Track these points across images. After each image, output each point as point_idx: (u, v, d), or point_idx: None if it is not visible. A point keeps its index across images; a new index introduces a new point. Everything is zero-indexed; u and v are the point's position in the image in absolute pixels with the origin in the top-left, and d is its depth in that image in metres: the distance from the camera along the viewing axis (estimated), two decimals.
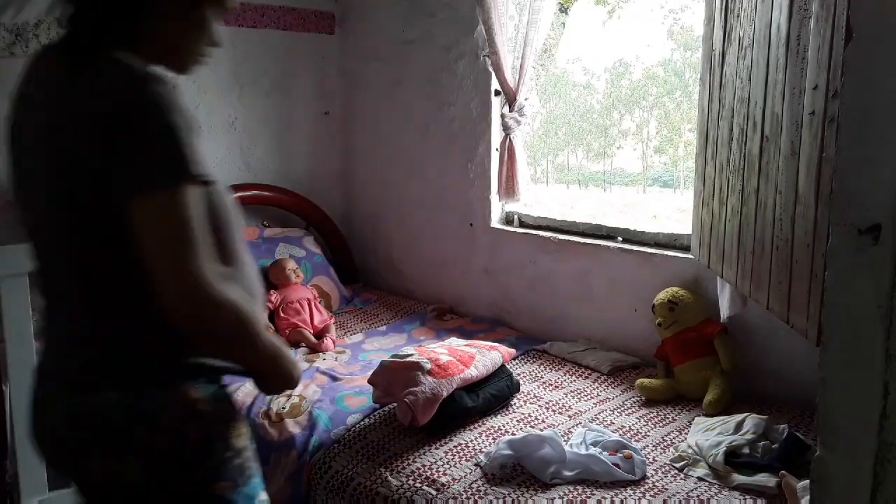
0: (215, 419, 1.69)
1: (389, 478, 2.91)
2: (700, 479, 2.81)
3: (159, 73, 1.59)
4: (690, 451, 2.95)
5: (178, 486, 1.65)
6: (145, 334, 1.65)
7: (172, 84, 1.58)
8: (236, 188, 4.74)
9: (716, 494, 2.72)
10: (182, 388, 1.66)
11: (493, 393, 3.38)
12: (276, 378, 1.77)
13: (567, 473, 2.81)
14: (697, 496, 2.71)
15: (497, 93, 4.57)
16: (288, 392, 3.36)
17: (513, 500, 2.70)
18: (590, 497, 2.71)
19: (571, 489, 2.76)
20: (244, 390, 3.46)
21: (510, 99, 4.41)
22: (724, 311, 3.38)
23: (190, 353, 1.68)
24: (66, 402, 1.68)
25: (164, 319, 1.51)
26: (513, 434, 3.12)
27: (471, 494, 2.74)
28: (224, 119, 4.84)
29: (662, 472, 2.89)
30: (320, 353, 4.09)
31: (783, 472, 2.68)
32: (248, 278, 1.76)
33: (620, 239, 4.23)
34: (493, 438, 3.14)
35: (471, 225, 4.77)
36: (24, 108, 1.72)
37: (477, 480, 2.83)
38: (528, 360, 4.05)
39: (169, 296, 1.51)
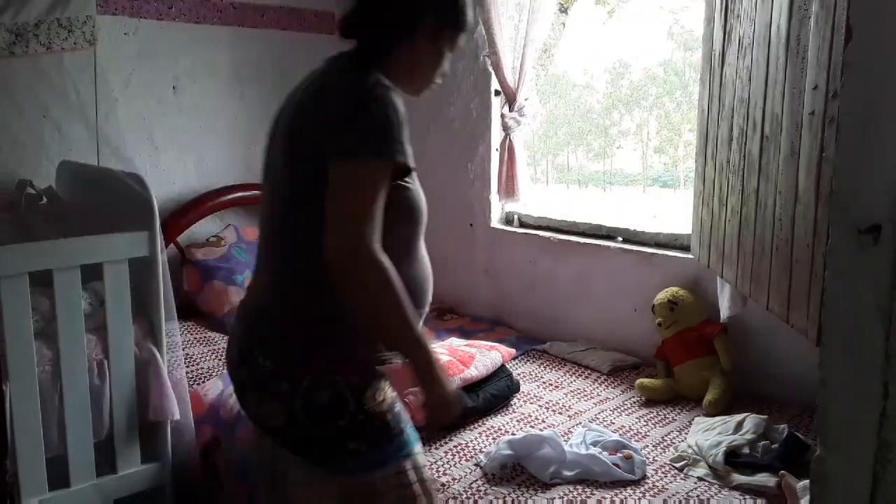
0: (346, 388, 1.96)
1: None
2: (700, 479, 2.81)
3: (389, 84, 1.93)
4: (690, 451, 2.95)
5: (313, 438, 1.98)
6: (314, 299, 1.97)
7: (398, 95, 1.92)
8: (237, 188, 4.77)
9: (716, 494, 2.71)
10: (322, 362, 1.96)
11: (493, 393, 3.38)
12: (429, 381, 1.97)
13: (567, 473, 2.81)
14: (697, 496, 2.70)
15: (497, 93, 4.57)
16: None
17: (513, 500, 2.70)
18: (590, 497, 2.71)
19: (571, 489, 2.75)
20: None
21: (510, 99, 4.41)
22: (724, 311, 3.38)
23: (338, 337, 1.98)
24: (239, 340, 2.08)
25: (326, 259, 1.80)
26: (513, 434, 3.11)
27: (471, 494, 2.74)
28: (225, 119, 4.83)
29: (662, 472, 2.89)
30: None
31: (783, 472, 2.68)
32: (418, 274, 2.08)
33: (620, 239, 4.24)
34: (493, 438, 3.13)
35: (471, 225, 4.78)
36: (286, 104, 2.13)
37: (477, 480, 2.82)
38: (527, 360, 4.05)
39: (333, 245, 1.80)
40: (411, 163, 1.91)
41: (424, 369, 1.95)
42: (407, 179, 1.95)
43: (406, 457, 2.05)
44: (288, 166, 1.99)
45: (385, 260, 1.82)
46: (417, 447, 2.10)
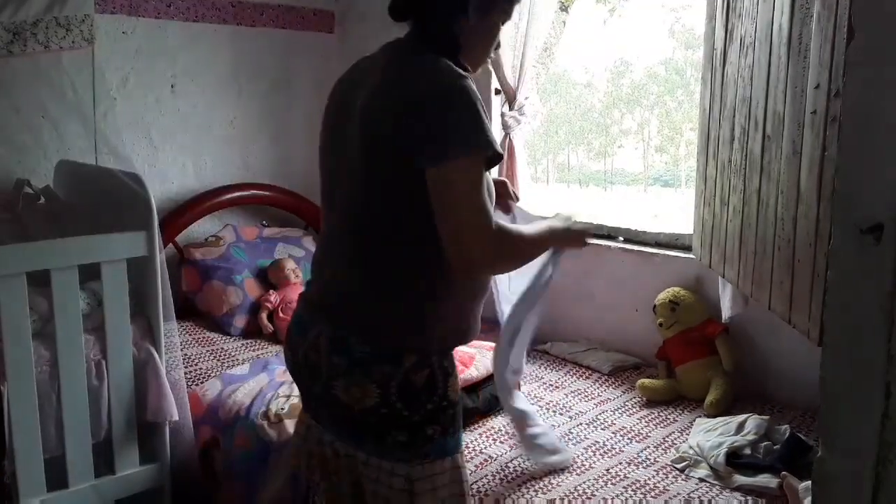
0: (440, 371, 2.08)
1: None
2: (701, 479, 2.80)
3: (463, 71, 1.98)
4: (692, 451, 2.94)
5: (402, 419, 2.04)
6: (407, 288, 2.06)
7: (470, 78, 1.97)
8: (235, 188, 4.78)
9: (717, 496, 2.70)
10: (421, 346, 2.06)
11: (494, 393, 3.36)
12: (564, 244, 2.42)
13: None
14: (699, 497, 2.70)
15: (497, 92, 4.55)
16: (287, 393, 3.36)
17: (513, 501, 2.70)
18: (590, 498, 2.70)
19: (571, 490, 2.75)
20: (244, 390, 3.46)
21: (510, 98, 4.40)
22: (726, 311, 3.37)
23: (439, 325, 2.09)
24: (328, 330, 2.10)
25: (462, 264, 1.93)
26: (513, 434, 3.11)
27: (472, 495, 2.72)
28: (223, 118, 4.82)
29: (664, 474, 2.88)
30: None
31: (785, 473, 2.67)
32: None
33: (622, 239, 4.23)
34: (494, 439, 3.13)
35: None
36: (348, 89, 2.14)
37: (478, 482, 2.82)
38: (528, 361, 4.03)
39: (462, 252, 1.91)
40: (499, 147, 1.95)
41: (558, 243, 2.38)
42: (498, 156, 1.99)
43: (460, 452, 2.18)
44: (368, 159, 2.01)
45: (505, 230, 1.99)
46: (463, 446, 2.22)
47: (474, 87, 1.94)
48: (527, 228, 2.16)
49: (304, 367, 2.18)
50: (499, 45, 2.24)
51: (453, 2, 2.08)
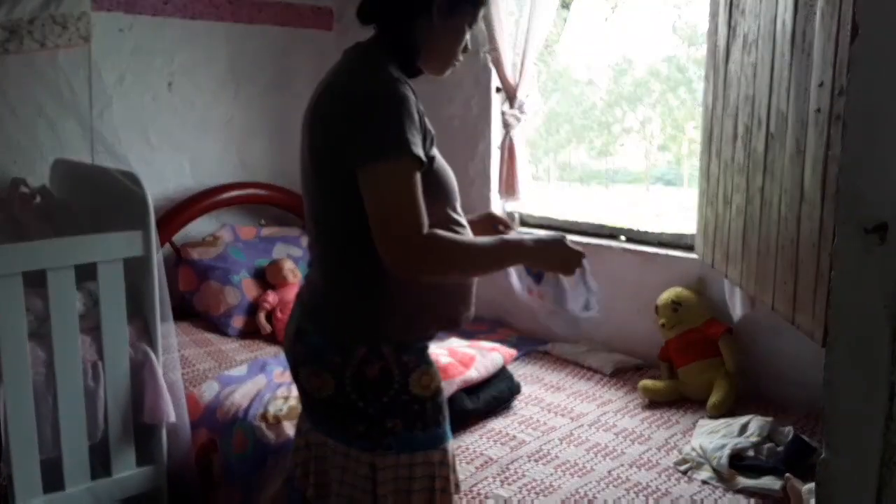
0: (396, 365, 2.10)
1: None
2: (704, 482, 2.78)
3: (398, 75, 2.03)
4: (694, 453, 2.92)
5: (358, 410, 2.10)
6: (357, 285, 2.11)
7: (407, 85, 2.01)
8: (233, 187, 4.77)
9: (720, 498, 2.69)
10: (369, 339, 2.10)
11: (494, 395, 3.36)
12: (543, 265, 2.39)
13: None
14: (701, 500, 2.68)
15: (498, 90, 4.54)
16: (285, 394, 3.35)
17: (518, 502, 2.68)
18: (594, 499, 2.69)
19: (573, 493, 2.73)
20: (241, 392, 3.43)
21: (511, 96, 4.38)
22: (737, 312, 3.35)
23: (385, 319, 2.11)
24: (296, 321, 2.23)
25: (390, 267, 1.96)
26: (514, 436, 3.11)
27: (473, 497, 2.72)
28: (221, 116, 4.81)
29: (666, 476, 2.86)
30: None
31: (788, 475, 2.65)
32: (465, 235, 2.20)
33: (623, 238, 4.21)
34: (494, 441, 3.11)
35: None
36: (313, 94, 2.15)
37: (478, 484, 2.80)
38: (529, 362, 4.03)
39: (386, 249, 1.94)
40: (421, 153, 1.96)
41: (525, 260, 2.30)
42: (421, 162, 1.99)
43: (435, 449, 2.17)
44: (313, 162, 2.09)
45: (437, 232, 1.97)
46: (449, 445, 2.22)
47: (408, 92, 1.99)
48: (481, 239, 2.15)
49: (286, 354, 2.31)
50: (466, 49, 2.23)
51: (413, 4, 2.10)
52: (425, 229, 1.94)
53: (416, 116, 1.97)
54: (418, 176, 1.95)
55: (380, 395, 2.09)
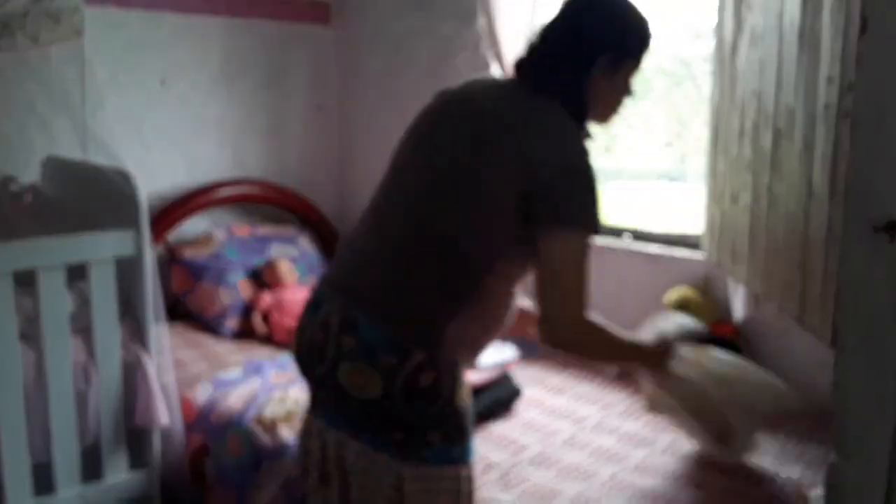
0: (448, 376, 2.07)
1: None
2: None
3: (586, 131, 2.14)
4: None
5: (401, 418, 2.06)
6: (436, 299, 2.08)
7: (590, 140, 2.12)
8: (227, 185, 4.77)
9: (724, 502, 2.67)
10: (433, 347, 2.05)
11: (495, 398, 3.34)
12: (648, 367, 2.50)
13: None
14: (704, 501, 2.68)
15: None
16: (281, 397, 3.32)
17: None
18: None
19: (575, 497, 2.72)
20: (236, 394, 3.41)
21: None
22: (739, 312, 3.34)
23: (455, 329, 2.08)
24: (343, 310, 2.09)
25: (542, 335, 2.06)
26: (515, 440, 3.11)
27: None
28: (215, 113, 4.81)
29: (671, 481, 2.84)
30: None
31: (797, 479, 2.64)
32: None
33: (629, 237, 4.19)
34: (496, 445, 3.10)
35: None
36: (462, 106, 2.20)
37: (479, 488, 2.76)
38: (530, 364, 3.98)
39: (554, 316, 2.02)
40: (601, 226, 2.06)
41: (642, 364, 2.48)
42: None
43: (464, 463, 2.15)
44: (473, 185, 2.08)
45: (594, 324, 2.07)
46: (473, 459, 2.20)
47: (590, 152, 2.06)
48: (623, 335, 2.21)
49: (310, 349, 2.17)
50: (632, 93, 2.25)
51: (581, 60, 2.13)
52: (588, 312, 2.03)
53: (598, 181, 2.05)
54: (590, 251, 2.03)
55: (428, 406, 2.06)
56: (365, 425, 2.12)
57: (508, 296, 2.20)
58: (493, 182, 2.04)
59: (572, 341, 2.10)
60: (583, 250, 2.00)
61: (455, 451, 2.12)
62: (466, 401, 2.15)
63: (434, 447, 2.08)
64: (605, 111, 2.24)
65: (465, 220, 2.08)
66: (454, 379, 2.09)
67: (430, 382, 2.03)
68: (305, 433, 2.34)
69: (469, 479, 2.16)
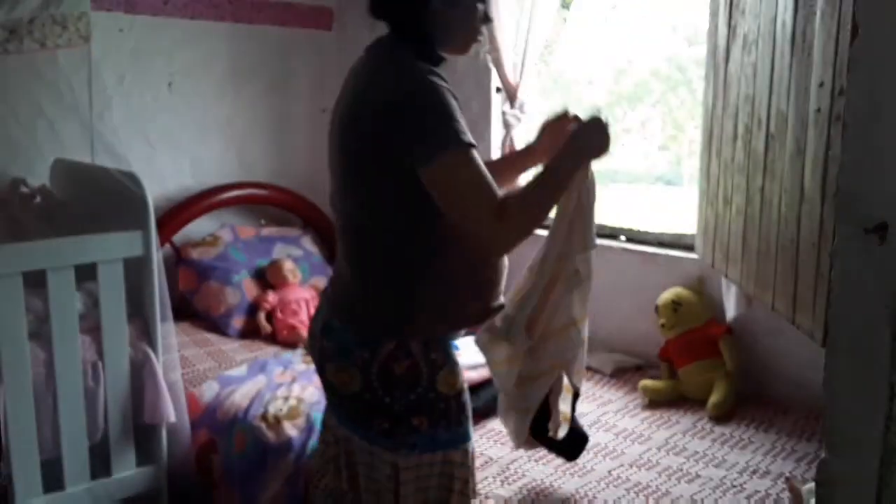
0: (424, 363, 2.12)
1: None
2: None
3: (427, 67, 2.07)
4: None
5: (384, 406, 2.12)
6: (389, 279, 2.14)
7: (437, 75, 2.05)
8: (233, 187, 4.77)
9: (720, 497, 2.70)
10: (399, 334, 2.12)
11: (494, 395, 3.34)
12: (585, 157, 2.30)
13: None
14: (702, 500, 2.69)
15: (498, 90, 4.55)
16: (285, 394, 3.36)
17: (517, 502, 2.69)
18: (592, 500, 2.70)
19: (573, 493, 2.74)
20: (241, 392, 3.44)
21: (511, 96, 4.39)
22: (731, 312, 3.36)
23: (416, 314, 2.13)
24: (323, 317, 2.24)
25: (489, 246, 2.11)
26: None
27: (468, 499, 2.71)
28: (221, 116, 4.81)
29: (667, 476, 2.87)
30: None
31: (788, 475, 2.66)
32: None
33: (624, 238, 4.22)
34: (495, 441, 3.12)
35: None
36: (342, 94, 2.20)
37: (479, 483, 2.80)
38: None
39: (480, 228, 2.02)
40: (471, 138, 2.01)
41: (576, 161, 2.26)
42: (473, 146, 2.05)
43: (456, 449, 2.19)
44: (349, 163, 2.14)
45: (507, 198, 2.01)
46: (470, 446, 2.23)
47: (440, 82, 2.03)
48: (536, 178, 2.16)
49: (311, 351, 2.31)
50: (489, 20, 2.26)
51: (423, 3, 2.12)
52: (498, 199, 1.99)
53: (455, 104, 2.02)
54: (476, 156, 2.00)
55: (407, 393, 2.11)
56: (356, 419, 2.20)
57: (465, 248, 2.15)
58: (366, 152, 2.07)
59: (513, 229, 2.04)
60: (463, 164, 1.98)
61: (443, 436, 2.16)
62: (454, 386, 2.18)
63: (422, 433, 2.13)
64: (460, 42, 2.23)
65: (366, 203, 2.12)
66: (434, 364, 2.13)
67: (405, 370, 2.10)
68: (324, 427, 2.41)
69: (464, 466, 2.20)
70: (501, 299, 2.31)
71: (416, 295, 2.12)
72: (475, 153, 1.99)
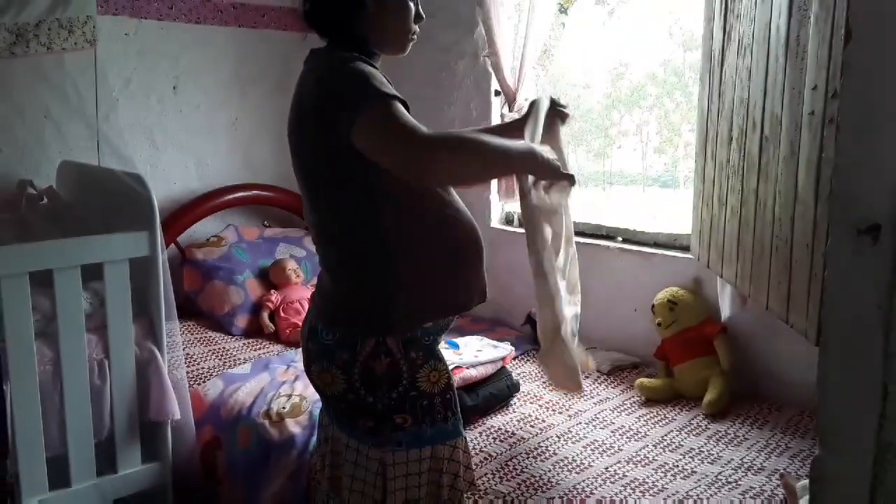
0: (404, 361, 2.15)
1: None
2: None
3: (356, 56, 2.10)
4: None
5: (367, 405, 2.15)
6: (359, 278, 2.17)
7: (367, 63, 2.09)
8: (237, 188, 4.80)
9: (716, 493, 2.71)
10: (376, 332, 2.14)
11: (493, 392, 3.38)
12: (532, 167, 2.24)
13: None
14: (697, 496, 2.70)
15: (497, 93, 4.56)
16: (288, 392, 3.38)
17: (512, 500, 2.70)
18: (588, 497, 2.71)
19: (570, 489, 2.76)
20: (245, 390, 3.47)
21: (510, 99, 4.41)
22: (725, 311, 3.38)
23: (390, 308, 2.15)
24: (310, 321, 2.28)
25: (418, 179, 2.06)
26: (513, 433, 3.15)
27: (471, 494, 2.73)
28: (225, 119, 4.85)
29: (663, 472, 2.89)
30: None
31: (783, 472, 2.68)
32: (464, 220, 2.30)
33: (620, 239, 4.24)
34: (493, 438, 3.14)
35: None
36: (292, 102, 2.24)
37: (478, 480, 2.81)
38: (528, 360, 4.05)
39: (402, 160, 2.00)
40: (395, 93, 2.04)
41: (525, 162, 2.23)
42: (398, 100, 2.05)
43: (442, 444, 2.22)
44: (302, 164, 2.19)
45: (437, 133, 2.04)
46: (459, 441, 2.27)
47: (362, 64, 2.08)
48: (487, 136, 2.21)
49: (302, 356, 2.35)
50: (420, 17, 2.31)
51: (342, 3, 2.19)
52: (423, 129, 1.99)
53: (381, 78, 2.07)
54: (400, 107, 2.02)
55: (389, 391, 2.14)
56: (343, 419, 2.24)
57: (430, 220, 2.20)
58: (311, 148, 2.14)
59: (427, 158, 2.01)
60: (388, 114, 1.99)
61: (427, 432, 2.19)
62: (437, 383, 2.22)
63: (407, 431, 2.17)
64: (395, 41, 2.29)
65: (329, 208, 2.17)
66: (413, 362, 2.17)
67: (385, 368, 2.13)
68: (320, 425, 2.45)
69: (453, 461, 2.23)
70: (483, 295, 2.36)
71: (389, 292, 2.15)
72: (397, 103, 2.01)
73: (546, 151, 2.27)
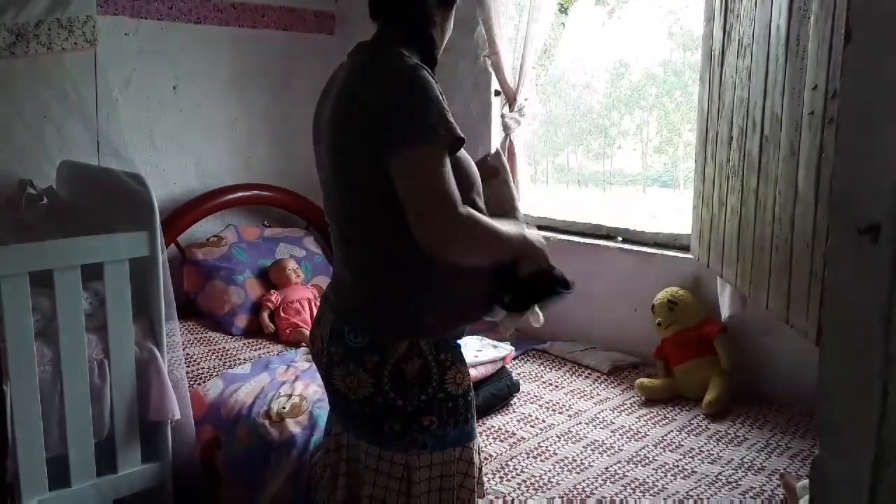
0: (435, 362, 2.11)
1: None
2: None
3: (417, 61, 2.02)
4: None
5: (396, 408, 2.10)
6: (395, 281, 2.11)
7: (426, 69, 2.00)
8: (237, 188, 4.80)
9: (716, 493, 2.72)
10: (410, 334, 2.09)
11: (494, 392, 3.39)
12: (530, 257, 2.22)
13: None
14: (697, 496, 2.71)
15: (497, 93, 4.57)
16: (288, 392, 3.38)
17: (512, 500, 2.71)
18: (589, 497, 2.72)
19: (570, 489, 2.76)
20: (245, 390, 3.47)
21: (510, 99, 4.41)
22: (725, 311, 3.38)
23: (426, 311, 2.12)
24: (328, 324, 2.19)
25: (430, 248, 1.95)
26: (513, 433, 3.14)
27: (470, 493, 2.74)
28: (225, 119, 4.85)
29: (662, 472, 2.90)
30: None
31: (783, 472, 2.68)
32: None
33: (620, 239, 4.25)
34: (494, 438, 3.15)
35: None
36: (323, 102, 2.18)
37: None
38: (527, 360, 4.06)
39: (422, 229, 1.92)
40: (458, 131, 1.96)
41: (529, 256, 2.21)
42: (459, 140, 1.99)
43: (462, 446, 2.19)
44: (340, 163, 2.09)
45: (475, 217, 1.97)
46: (475, 443, 2.24)
47: (427, 74, 1.99)
48: (506, 227, 2.13)
49: (316, 358, 2.27)
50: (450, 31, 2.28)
51: (425, 3, 2.14)
52: (461, 207, 1.93)
53: (441, 98, 1.97)
54: (448, 159, 1.94)
55: (419, 393, 2.10)
56: (366, 424, 2.17)
57: None
58: (355, 149, 2.02)
59: (451, 235, 1.94)
60: (433, 161, 1.91)
61: (451, 433, 2.16)
62: (461, 384, 2.18)
63: (433, 433, 2.13)
64: (442, 43, 2.23)
65: (361, 198, 2.08)
66: (443, 364, 2.12)
67: (417, 370, 2.09)
68: (328, 434, 2.40)
69: (471, 463, 2.21)
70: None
71: (424, 294, 2.11)
72: (446, 154, 1.94)
73: (535, 237, 2.28)
